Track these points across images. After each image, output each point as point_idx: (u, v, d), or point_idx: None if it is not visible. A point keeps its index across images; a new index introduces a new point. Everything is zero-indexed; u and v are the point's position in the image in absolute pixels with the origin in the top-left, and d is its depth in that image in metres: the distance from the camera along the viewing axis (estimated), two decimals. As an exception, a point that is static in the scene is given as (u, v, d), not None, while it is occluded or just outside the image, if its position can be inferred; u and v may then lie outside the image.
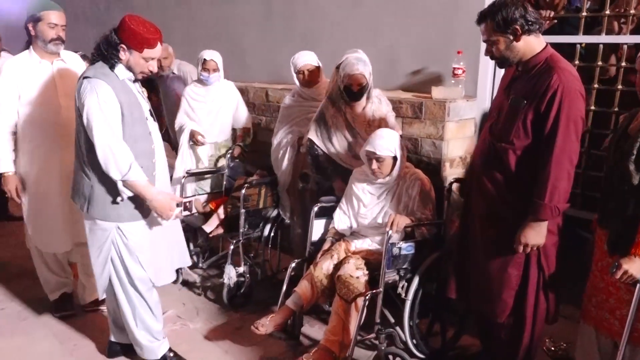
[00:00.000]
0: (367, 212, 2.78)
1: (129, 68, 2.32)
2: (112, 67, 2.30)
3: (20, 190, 2.89)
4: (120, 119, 2.27)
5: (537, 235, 2.18)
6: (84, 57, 3.75)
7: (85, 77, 2.24)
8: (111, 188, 2.32)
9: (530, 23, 2.13)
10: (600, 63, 2.96)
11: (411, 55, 3.60)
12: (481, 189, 2.32)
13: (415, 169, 2.86)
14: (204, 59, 3.67)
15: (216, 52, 3.77)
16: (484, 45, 3.16)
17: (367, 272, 2.58)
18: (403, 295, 2.58)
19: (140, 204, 2.39)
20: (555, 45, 3.04)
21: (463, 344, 2.88)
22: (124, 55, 2.29)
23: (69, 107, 2.83)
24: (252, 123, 3.97)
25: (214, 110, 3.74)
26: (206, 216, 3.55)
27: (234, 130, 3.89)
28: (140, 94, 2.47)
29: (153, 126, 2.47)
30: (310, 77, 3.34)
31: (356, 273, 2.53)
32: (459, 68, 3.21)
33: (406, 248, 2.57)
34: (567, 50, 3.06)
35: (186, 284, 3.57)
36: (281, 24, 4.49)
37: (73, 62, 3.02)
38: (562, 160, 2.07)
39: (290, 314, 2.69)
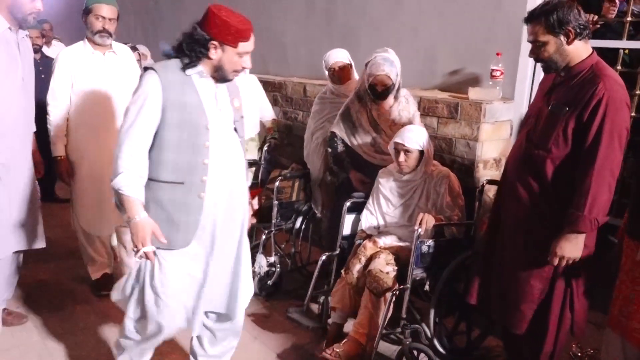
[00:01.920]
0: (394, 210, 2.83)
1: (219, 68, 1.98)
2: (187, 66, 1.97)
3: (70, 174, 3.06)
4: (155, 119, 1.93)
5: (573, 248, 2.12)
6: (133, 48, 3.92)
7: (145, 68, 2.01)
8: (158, 198, 2.00)
9: (582, 27, 2.09)
10: (643, 69, 2.91)
11: (450, 55, 3.61)
12: (513, 196, 2.28)
13: (443, 167, 2.88)
14: None
15: None
16: (523, 48, 3.23)
17: (396, 267, 2.63)
18: (429, 292, 2.62)
19: (176, 228, 2.00)
20: (596, 50, 3.04)
21: (488, 344, 2.89)
22: (215, 53, 1.95)
23: (118, 97, 3.01)
24: (287, 117, 4.04)
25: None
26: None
27: (261, 123, 3.94)
28: (220, 99, 2.08)
29: (220, 138, 2.03)
30: (341, 74, 3.38)
31: (386, 268, 2.58)
32: (497, 70, 3.20)
33: (435, 247, 2.60)
34: (608, 56, 3.03)
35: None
36: (322, 21, 4.54)
37: (124, 54, 3.17)
38: (604, 171, 2.02)
39: (358, 344, 2.62)
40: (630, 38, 3.02)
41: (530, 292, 2.26)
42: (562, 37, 2.09)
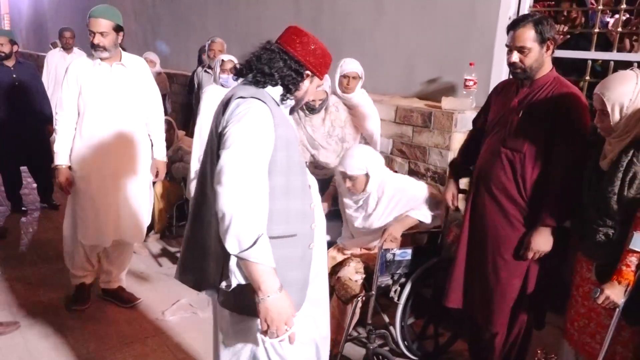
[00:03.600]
0: (352, 215, 2.88)
1: (300, 99, 1.77)
2: (284, 99, 1.71)
3: (72, 184, 3.02)
4: (268, 161, 1.59)
5: (545, 241, 2.27)
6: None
7: (238, 97, 1.60)
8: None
9: (556, 43, 2.27)
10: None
11: (428, 64, 3.68)
12: (491, 197, 2.39)
13: (395, 179, 2.88)
14: (222, 60, 3.73)
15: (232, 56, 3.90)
16: (496, 58, 3.30)
17: (364, 274, 2.70)
18: (395, 299, 2.69)
19: (289, 291, 1.59)
20: (568, 60, 3.10)
21: (456, 348, 2.96)
22: (306, 84, 1.73)
23: (125, 110, 3.03)
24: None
25: None
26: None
27: None
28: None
29: (312, 177, 1.82)
30: (352, 85, 3.36)
31: (355, 277, 2.67)
32: (470, 79, 3.28)
33: (400, 254, 2.67)
34: (580, 66, 3.10)
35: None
36: (308, 28, 4.61)
37: (135, 66, 3.08)
38: (575, 171, 2.18)
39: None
40: (604, 48, 3.07)
41: (511, 290, 2.41)
42: (544, 47, 2.22)
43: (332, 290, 2.73)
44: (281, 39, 1.71)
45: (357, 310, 2.63)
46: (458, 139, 3.21)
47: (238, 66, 1.77)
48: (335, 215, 3.03)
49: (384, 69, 3.90)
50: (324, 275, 1.88)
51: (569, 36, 3.16)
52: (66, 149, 2.99)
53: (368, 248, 2.91)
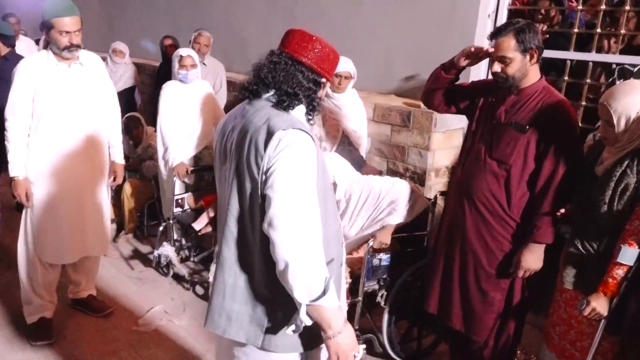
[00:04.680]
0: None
1: (314, 105, 1.62)
2: (311, 118, 1.62)
3: (30, 196, 2.76)
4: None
5: (536, 259, 2.22)
6: None
7: (278, 130, 1.45)
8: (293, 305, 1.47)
9: (541, 51, 2.18)
10: (588, 80, 2.96)
11: (406, 61, 3.63)
12: (474, 210, 2.32)
13: (362, 181, 2.82)
14: (181, 56, 3.55)
15: (191, 50, 3.74)
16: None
17: (349, 280, 2.65)
18: (382, 304, 2.66)
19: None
20: (546, 59, 3.08)
21: (440, 350, 2.96)
22: (322, 92, 1.63)
23: (86, 114, 2.80)
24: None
25: (194, 108, 3.68)
26: (197, 213, 3.64)
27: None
28: None
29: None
30: (344, 85, 3.24)
31: (335, 281, 2.61)
32: (449, 78, 3.23)
33: (387, 259, 2.65)
34: (558, 64, 3.10)
35: (177, 277, 3.67)
36: (283, 20, 4.50)
37: (92, 64, 2.86)
38: (567, 184, 2.13)
39: None
40: (581, 48, 3.07)
41: (491, 303, 2.37)
42: (527, 57, 2.14)
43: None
44: (289, 48, 1.56)
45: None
46: (437, 139, 3.18)
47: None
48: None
49: (361, 64, 3.80)
50: (345, 288, 1.85)
51: (547, 35, 3.14)
52: (21, 158, 2.71)
53: (349, 253, 2.86)
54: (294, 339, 1.54)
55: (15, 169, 2.71)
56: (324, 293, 1.41)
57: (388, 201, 2.72)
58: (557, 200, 2.13)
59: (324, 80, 1.60)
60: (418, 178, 3.24)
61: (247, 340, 1.58)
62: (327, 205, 1.58)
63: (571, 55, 3.01)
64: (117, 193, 4.24)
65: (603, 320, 1.95)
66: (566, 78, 3.03)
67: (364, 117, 3.38)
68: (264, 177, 1.45)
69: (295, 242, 1.39)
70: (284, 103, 1.53)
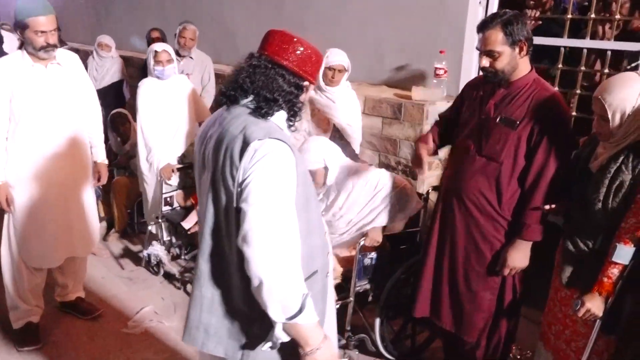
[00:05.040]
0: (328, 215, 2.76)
1: (296, 110, 1.53)
2: (292, 125, 1.55)
3: (11, 201, 2.68)
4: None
5: (523, 257, 2.17)
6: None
7: (254, 140, 1.38)
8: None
9: (531, 43, 2.08)
10: (583, 68, 2.88)
11: (397, 51, 3.54)
12: (463, 209, 2.25)
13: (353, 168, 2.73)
14: (156, 51, 3.42)
15: (167, 44, 3.61)
16: (467, 46, 3.18)
17: (338, 279, 2.60)
18: (374, 303, 2.61)
19: None
20: (539, 47, 3.00)
21: (435, 346, 2.92)
22: (304, 96, 1.55)
23: (65, 114, 2.72)
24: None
25: (175, 105, 3.55)
26: (187, 211, 3.58)
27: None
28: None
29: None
30: (337, 78, 3.16)
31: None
32: (441, 68, 3.15)
33: (378, 258, 2.58)
34: (551, 52, 3.01)
35: (168, 276, 3.61)
36: (271, 11, 4.41)
37: (70, 63, 2.77)
38: (558, 180, 2.06)
39: None
40: (575, 34, 2.98)
41: (481, 303, 2.31)
42: (516, 49, 2.05)
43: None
44: (269, 50, 1.47)
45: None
46: (430, 131, 3.10)
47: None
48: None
49: (351, 55, 3.71)
50: (333, 298, 1.79)
51: (540, 22, 3.05)
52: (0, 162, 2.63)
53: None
54: (272, 354, 1.48)
55: None
56: (300, 311, 1.35)
57: (382, 196, 2.65)
58: (547, 198, 2.06)
59: (306, 83, 1.52)
60: (410, 171, 3.17)
61: (225, 354, 1.52)
62: (310, 215, 1.51)
63: (565, 42, 2.92)
64: (106, 191, 4.17)
65: (598, 320, 1.90)
66: (560, 66, 2.94)
67: (359, 110, 3.30)
68: (239, 189, 1.38)
69: (270, 259, 1.32)
70: (262, 110, 1.45)
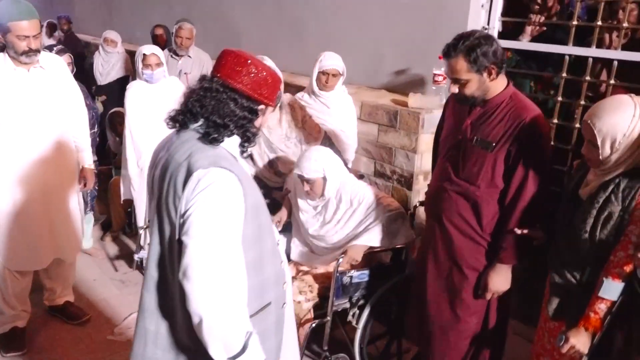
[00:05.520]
0: (308, 221, 2.67)
1: (249, 136, 1.46)
2: (244, 150, 1.48)
3: None
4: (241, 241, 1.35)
5: (503, 280, 2.11)
6: (61, 51, 3.61)
7: (198, 169, 1.32)
8: None
9: (502, 62, 1.97)
10: (588, 78, 2.71)
11: (396, 54, 3.41)
12: (444, 231, 2.18)
13: (354, 184, 2.63)
14: (144, 55, 3.33)
15: (156, 46, 3.52)
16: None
17: (311, 296, 2.50)
18: (354, 323, 2.52)
19: None
20: (542, 54, 2.85)
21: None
22: (260, 121, 1.49)
23: (49, 118, 2.68)
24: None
25: (165, 109, 3.50)
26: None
27: None
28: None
29: (275, 229, 1.63)
30: (331, 83, 3.07)
31: (298, 297, 2.45)
32: (439, 74, 3.02)
33: (359, 276, 2.48)
34: (555, 59, 2.86)
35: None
36: (270, 8, 4.32)
37: (54, 67, 2.73)
38: (532, 206, 1.99)
39: None
40: (580, 41, 2.81)
41: (467, 328, 2.25)
42: (485, 74, 1.95)
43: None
44: (222, 72, 1.40)
45: (303, 338, 2.42)
46: (425, 141, 2.98)
47: (173, 113, 1.46)
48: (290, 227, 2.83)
49: (350, 57, 3.60)
50: (293, 328, 1.72)
51: (545, 28, 2.89)
52: None
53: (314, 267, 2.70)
54: None
55: None
56: (243, 350, 1.29)
57: (365, 210, 2.55)
58: (525, 220, 1.99)
59: (261, 107, 1.45)
60: (405, 182, 3.06)
61: None
62: (262, 246, 1.45)
63: (569, 50, 2.75)
64: (104, 190, 4.15)
65: (585, 357, 1.78)
66: (564, 74, 2.78)
67: (354, 116, 3.20)
68: (181, 220, 1.31)
69: (210, 296, 1.25)
70: (209, 136, 1.38)
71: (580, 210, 1.76)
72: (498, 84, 2.01)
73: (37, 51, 2.57)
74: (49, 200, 2.78)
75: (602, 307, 1.71)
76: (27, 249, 2.77)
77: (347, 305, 2.52)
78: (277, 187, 2.94)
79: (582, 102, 2.76)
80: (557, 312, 1.90)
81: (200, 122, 1.41)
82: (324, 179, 2.49)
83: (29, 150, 2.66)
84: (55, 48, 3.47)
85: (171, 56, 4.38)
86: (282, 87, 1.51)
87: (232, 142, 1.43)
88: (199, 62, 4.37)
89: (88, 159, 2.98)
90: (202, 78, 1.45)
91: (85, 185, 2.99)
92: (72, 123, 2.84)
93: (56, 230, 2.83)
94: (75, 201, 2.93)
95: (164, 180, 1.37)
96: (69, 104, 2.80)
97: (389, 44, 3.42)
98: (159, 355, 1.46)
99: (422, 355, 2.60)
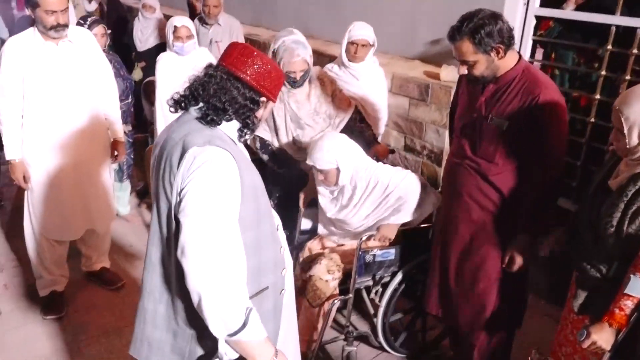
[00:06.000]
0: (326, 206, 2.63)
1: (248, 123, 1.49)
2: (243, 136, 1.51)
3: (28, 178, 2.75)
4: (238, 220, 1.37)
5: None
6: (95, 22, 3.61)
7: (193, 146, 1.34)
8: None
9: (510, 38, 1.93)
10: (635, 51, 2.53)
11: (432, 24, 3.28)
12: (464, 207, 2.18)
13: (370, 168, 2.53)
14: (175, 27, 3.29)
15: (187, 18, 3.46)
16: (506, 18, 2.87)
17: (338, 275, 2.49)
18: (377, 301, 2.51)
19: None
20: (586, 24, 2.67)
21: (446, 343, 2.80)
22: (261, 112, 1.52)
23: (78, 92, 2.73)
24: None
25: None
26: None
27: None
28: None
29: (276, 216, 1.63)
30: (360, 54, 3.01)
31: (326, 276, 2.45)
32: (474, 46, 2.87)
33: (382, 255, 2.46)
34: (602, 29, 2.67)
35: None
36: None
37: (82, 40, 2.76)
38: (554, 176, 2.02)
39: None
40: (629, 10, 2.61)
41: (489, 301, 2.26)
42: (492, 54, 1.93)
43: (303, 286, 2.56)
44: (227, 62, 1.43)
45: (332, 315, 2.46)
46: (457, 117, 2.87)
47: (176, 96, 1.47)
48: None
49: (383, 26, 3.50)
50: (292, 316, 1.73)
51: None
52: (15, 140, 2.68)
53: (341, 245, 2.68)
54: None
55: (10, 152, 2.70)
56: (244, 326, 1.30)
57: (396, 196, 2.48)
58: (546, 192, 2.03)
59: (263, 99, 1.48)
60: (435, 157, 2.98)
61: None
62: (260, 229, 1.46)
63: (616, 20, 2.56)
64: (141, 158, 4.24)
65: (607, 353, 1.71)
66: (609, 47, 2.60)
67: (385, 89, 3.12)
68: (177, 198, 1.33)
69: (208, 272, 1.26)
70: (207, 117, 1.41)
71: (608, 202, 1.66)
72: (508, 61, 1.98)
73: (65, 26, 2.59)
74: (81, 173, 2.86)
75: (628, 304, 1.63)
76: (60, 220, 2.88)
77: (371, 282, 2.51)
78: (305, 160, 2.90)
79: (628, 77, 2.58)
80: (582, 307, 1.82)
81: (200, 105, 1.43)
82: (338, 169, 2.44)
83: (60, 124, 2.73)
84: (89, 19, 3.48)
85: (202, 25, 4.35)
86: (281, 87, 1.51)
87: (231, 126, 1.45)
88: (230, 30, 4.31)
89: (119, 132, 3.03)
90: (208, 66, 1.46)
91: (116, 157, 3.05)
92: (101, 96, 2.88)
93: (88, 202, 2.92)
94: (107, 173, 3.01)
95: (162, 159, 1.40)
96: (98, 77, 2.84)
97: (424, 14, 3.28)
98: (157, 335, 1.49)
99: (449, 330, 2.60)
